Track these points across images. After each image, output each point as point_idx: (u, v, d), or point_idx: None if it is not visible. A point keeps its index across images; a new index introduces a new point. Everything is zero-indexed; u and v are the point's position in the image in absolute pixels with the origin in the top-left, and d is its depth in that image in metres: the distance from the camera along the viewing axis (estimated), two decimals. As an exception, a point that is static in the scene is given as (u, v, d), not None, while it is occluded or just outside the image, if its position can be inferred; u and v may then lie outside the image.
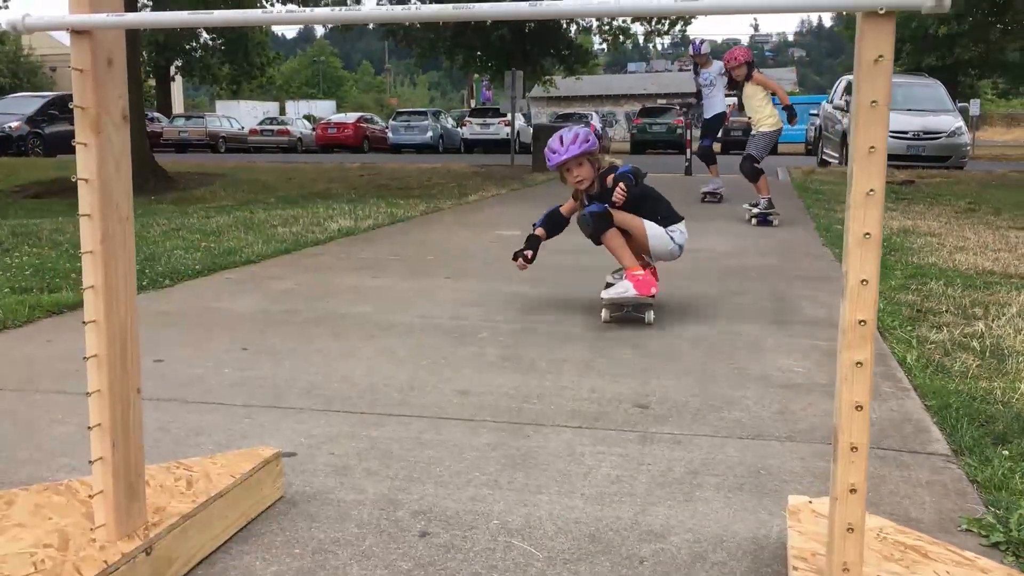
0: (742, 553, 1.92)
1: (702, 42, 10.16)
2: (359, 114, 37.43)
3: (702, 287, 5.04)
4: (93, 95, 1.60)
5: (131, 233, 1.71)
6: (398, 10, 1.46)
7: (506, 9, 1.43)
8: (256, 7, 21.04)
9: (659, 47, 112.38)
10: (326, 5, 20.16)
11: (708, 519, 2.09)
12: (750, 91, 8.46)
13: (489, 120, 32.00)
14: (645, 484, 2.30)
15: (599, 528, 2.04)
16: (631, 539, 1.98)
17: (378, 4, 21.80)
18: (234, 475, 2.02)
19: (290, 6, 18.29)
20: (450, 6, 1.42)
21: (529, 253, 4.31)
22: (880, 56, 1.32)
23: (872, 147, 1.34)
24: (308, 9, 1.59)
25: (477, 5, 1.41)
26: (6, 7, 17.71)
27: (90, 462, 1.68)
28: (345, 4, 21.37)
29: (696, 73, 10.13)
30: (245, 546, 1.95)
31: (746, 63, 8.43)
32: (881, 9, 1.30)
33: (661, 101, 44.40)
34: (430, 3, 18.41)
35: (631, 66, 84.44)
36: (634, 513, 2.12)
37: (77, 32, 1.58)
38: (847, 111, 17.37)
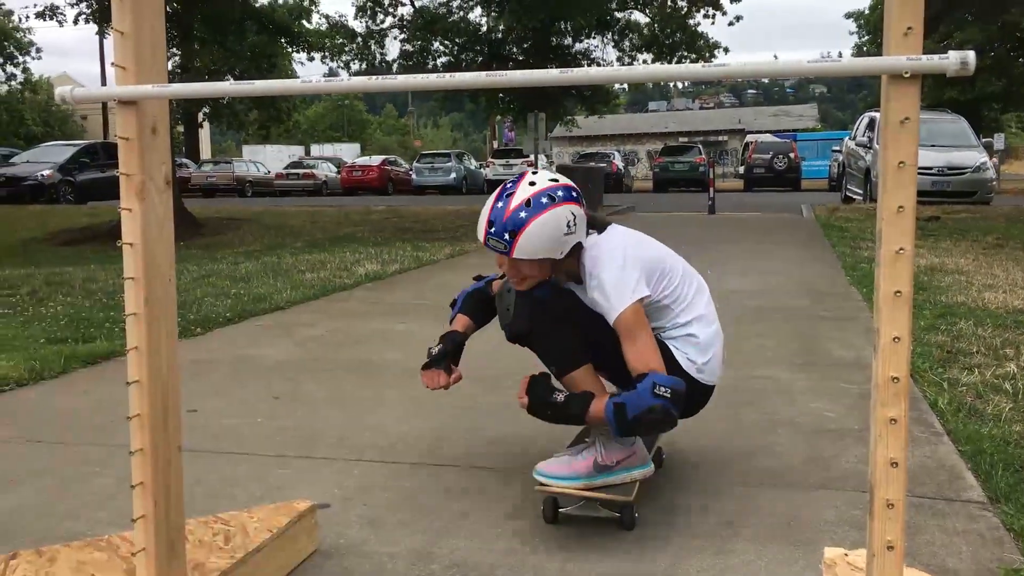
0: (778, 606, 1.91)
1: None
2: (383, 156, 37.81)
3: (727, 327, 5.02)
4: (138, 162, 1.66)
5: (173, 295, 1.76)
6: (433, 78, 1.51)
7: (538, 76, 1.47)
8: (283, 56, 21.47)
9: (679, 86, 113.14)
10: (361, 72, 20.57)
11: (741, 571, 2.09)
12: None
13: (512, 161, 32.24)
14: (678, 535, 2.29)
15: (633, 581, 2.04)
16: (666, 592, 1.99)
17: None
18: (271, 529, 2.05)
19: (326, 77, 18.74)
20: (483, 74, 1.47)
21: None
22: (906, 118, 1.34)
23: (900, 207, 1.36)
24: (346, 78, 1.64)
25: (510, 73, 1.46)
26: (39, 58, 18.52)
27: (132, 520, 1.71)
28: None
29: None
30: (282, 601, 1.97)
31: None
32: (906, 73, 1.33)
33: (683, 139, 44.61)
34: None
35: (652, 105, 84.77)
36: (667, 565, 2.12)
37: (124, 103, 1.64)
38: (870, 148, 17.38)
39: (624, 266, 2.32)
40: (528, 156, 27.36)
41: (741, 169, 35.13)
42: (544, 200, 2.31)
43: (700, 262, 5.09)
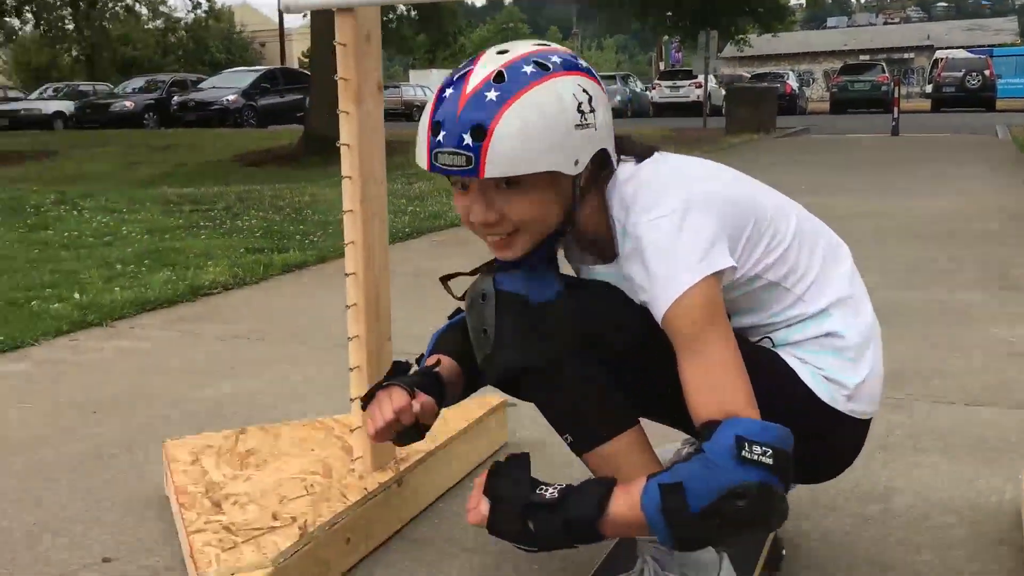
0: (968, 517, 1.89)
1: None
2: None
3: (914, 250, 4.83)
4: (354, 67, 1.76)
5: (384, 194, 1.88)
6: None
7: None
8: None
9: (862, 0, 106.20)
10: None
11: (932, 483, 2.06)
12: None
13: (679, 83, 31.42)
14: (865, 447, 2.28)
15: (821, 487, 2.06)
16: (853, 500, 2.00)
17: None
18: (467, 419, 2.18)
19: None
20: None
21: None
22: None
23: None
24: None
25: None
26: None
27: (351, 400, 1.87)
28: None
29: None
30: (478, 485, 2.11)
31: None
32: None
33: (863, 58, 42.12)
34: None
35: (831, 21, 80.00)
36: (856, 476, 2.12)
37: (341, 10, 1.74)
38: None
39: (686, 211, 1.26)
40: (697, 77, 26.54)
41: (929, 88, 32.91)
42: (528, 69, 1.26)
43: (882, 185, 4.87)
